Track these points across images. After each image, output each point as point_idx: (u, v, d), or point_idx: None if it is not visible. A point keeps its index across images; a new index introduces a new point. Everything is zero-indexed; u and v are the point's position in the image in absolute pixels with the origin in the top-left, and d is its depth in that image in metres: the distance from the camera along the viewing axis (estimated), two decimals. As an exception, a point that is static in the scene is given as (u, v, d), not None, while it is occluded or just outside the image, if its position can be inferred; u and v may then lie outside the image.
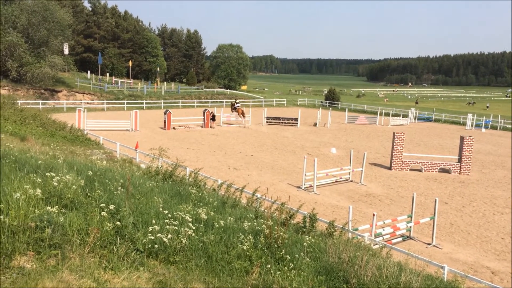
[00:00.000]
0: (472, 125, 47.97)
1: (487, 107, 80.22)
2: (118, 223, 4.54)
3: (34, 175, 5.77)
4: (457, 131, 43.40)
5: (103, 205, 4.81)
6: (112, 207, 4.81)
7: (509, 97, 75.31)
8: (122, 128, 34.32)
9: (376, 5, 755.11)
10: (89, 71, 66.83)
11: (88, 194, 5.54)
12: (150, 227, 4.61)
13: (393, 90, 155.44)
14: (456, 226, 15.70)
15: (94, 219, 4.50)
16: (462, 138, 24.65)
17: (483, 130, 46.30)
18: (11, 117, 21.26)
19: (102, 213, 4.57)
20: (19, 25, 48.18)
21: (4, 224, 3.91)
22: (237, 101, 44.91)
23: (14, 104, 27.82)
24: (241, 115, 40.58)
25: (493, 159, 29.44)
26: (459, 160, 24.50)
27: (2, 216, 3.96)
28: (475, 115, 50.05)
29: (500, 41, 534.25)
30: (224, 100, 61.88)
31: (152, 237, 4.44)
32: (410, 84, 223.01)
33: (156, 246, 4.45)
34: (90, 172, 6.65)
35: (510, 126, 48.83)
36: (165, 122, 36.12)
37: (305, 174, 19.55)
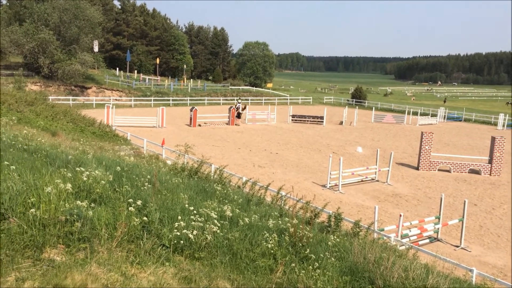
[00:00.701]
0: (503, 125, 46.62)
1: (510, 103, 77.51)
2: (145, 218, 4.61)
3: (65, 169, 5.91)
4: (487, 131, 42.26)
5: (130, 200, 4.89)
6: (139, 202, 4.88)
7: None
8: (149, 124, 34.81)
9: (404, 3, 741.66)
10: (117, 68, 68.06)
11: (116, 189, 5.63)
12: (176, 223, 4.65)
13: (427, 89, 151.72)
14: (486, 229, 15.31)
15: (121, 214, 4.58)
16: (493, 139, 23.99)
17: (516, 130, 44.94)
18: (42, 112, 21.83)
19: (130, 208, 4.64)
20: (51, 22, 49.40)
21: (36, 217, 4.02)
22: (239, 100, 44.29)
23: (45, 100, 28.55)
24: (237, 114, 38.87)
25: (525, 160, 28.53)
26: (490, 161, 23.86)
27: (33, 210, 4.07)
28: (507, 115, 48.61)
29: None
30: (250, 98, 61.96)
31: (178, 233, 4.48)
32: (439, 82, 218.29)
33: (182, 242, 4.49)
34: (118, 168, 6.77)
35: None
36: (191, 119, 36.43)
37: (330, 173, 19.40)
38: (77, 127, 21.31)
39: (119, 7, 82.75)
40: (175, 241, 4.46)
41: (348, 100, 69.11)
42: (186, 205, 5.50)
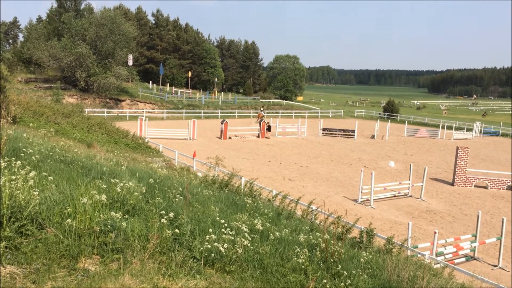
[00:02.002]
0: (544, 141, 44.88)
1: None
2: (176, 230, 4.63)
3: (100, 181, 6.03)
4: (527, 146, 40.78)
5: (162, 212, 4.93)
6: (171, 214, 4.92)
7: None
8: (180, 136, 35.29)
9: (438, 16, 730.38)
10: (150, 81, 69.57)
11: (149, 201, 5.70)
12: (207, 236, 4.66)
13: (473, 103, 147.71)
14: (526, 248, 14.67)
15: (154, 225, 4.62)
16: (533, 154, 23.11)
17: (557, 146, 43.16)
18: (78, 124, 22.47)
19: (162, 220, 4.68)
20: (88, 37, 51.12)
21: (72, 227, 4.11)
22: (262, 108, 45.54)
23: (81, 112, 29.42)
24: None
25: None
26: (530, 178, 22.96)
27: (69, 220, 4.16)
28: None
29: None
30: (280, 111, 61.98)
31: (209, 246, 4.48)
32: (475, 96, 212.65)
33: (213, 254, 4.48)
34: (151, 180, 6.86)
35: None
36: (221, 132, 36.73)
37: (361, 187, 19.10)
38: (111, 138, 21.81)
39: (153, 22, 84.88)
40: (206, 254, 4.46)
41: (379, 114, 68.18)
42: (217, 218, 5.51)
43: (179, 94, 63.79)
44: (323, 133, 42.38)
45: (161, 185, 7.25)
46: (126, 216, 4.78)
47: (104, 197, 4.79)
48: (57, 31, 54.49)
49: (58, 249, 3.83)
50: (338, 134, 42.30)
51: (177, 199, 6.26)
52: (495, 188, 23.15)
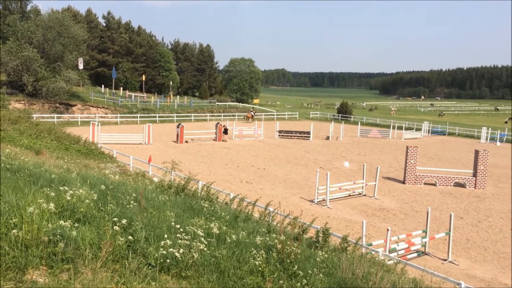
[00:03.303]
0: (487, 139, 47.37)
1: (508, 120, 79.03)
2: (130, 237, 4.53)
3: (48, 189, 5.80)
4: (471, 144, 42.89)
5: (115, 219, 4.81)
6: (124, 221, 4.80)
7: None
8: (135, 141, 34.58)
9: (387, 19, 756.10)
10: (103, 86, 67.79)
11: (101, 208, 5.54)
12: (162, 242, 4.58)
13: (431, 104, 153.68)
14: (473, 242, 15.41)
15: (106, 233, 4.50)
16: (476, 152, 24.33)
17: (498, 143, 45.68)
18: (26, 131, 21.55)
19: (115, 227, 4.56)
20: (35, 40, 49.16)
21: (18, 238, 3.93)
22: (252, 108, 56.36)
23: (29, 118, 28.23)
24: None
25: (508, 173, 28.95)
26: (474, 174, 24.15)
27: (15, 230, 3.98)
28: (490, 128, 49.44)
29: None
30: (237, 114, 62.06)
31: (164, 252, 4.41)
32: (423, 97, 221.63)
33: (168, 260, 4.41)
34: (103, 186, 6.67)
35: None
36: (177, 136, 36.32)
37: (317, 188, 19.42)
38: (62, 145, 21.06)
39: (104, 24, 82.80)
40: (161, 260, 4.39)
41: (334, 115, 69.67)
42: (173, 223, 5.43)
43: (133, 98, 62.53)
44: (279, 135, 42.79)
45: (115, 191, 7.06)
46: (77, 224, 4.62)
47: (52, 205, 4.62)
48: (2, 34, 52.09)
49: (3, 261, 3.66)
50: (294, 136, 42.84)
51: (131, 205, 6.12)
52: (443, 185, 24.18)
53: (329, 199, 19.28)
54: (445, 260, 13.62)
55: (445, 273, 11.69)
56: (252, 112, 60.37)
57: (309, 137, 42.10)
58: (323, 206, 19.00)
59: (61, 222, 4.38)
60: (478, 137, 49.02)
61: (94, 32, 76.68)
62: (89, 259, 4.06)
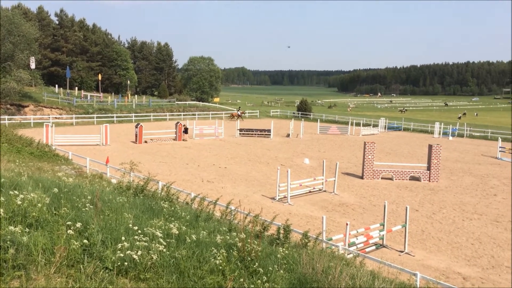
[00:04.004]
0: (439, 134, 49.23)
1: (461, 115, 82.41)
2: (85, 241, 4.41)
3: (-3, 193, 5.56)
4: (425, 139, 44.43)
5: (69, 223, 4.66)
6: (79, 224, 4.67)
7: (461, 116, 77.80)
8: (92, 142, 33.66)
9: (345, 18, 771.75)
10: (57, 85, 65.53)
11: (55, 212, 5.36)
12: (120, 244, 4.49)
13: (390, 101, 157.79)
14: (427, 233, 15.98)
15: (60, 237, 4.36)
16: (430, 147, 25.23)
17: (450, 138, 47.58)
18: (-26, 133, 20.53)
19: (69, 231, 4.43)
20: (-17, 39, 46.92)
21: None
22: (239, 108, 62.40)
23: (-22, 120, 26.91)
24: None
25: (460, 166, 30.23)
26: (428, 168, 25.04)
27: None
28: (442, 123, 51.43)
29: (463, 51, 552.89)
30: (197, 113, 61.60)
31: (122, 255, 4.32)
32: (379, 94, 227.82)
33: (126, 263, 4.33)
34: (56, 189, 6.45)
35: (476, 134, 50.39)
36: (136, 136, 35.65)
37: (278, 185, 19.57)
38: (13, 147, 20.21)
39: (57, 22, 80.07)
40: (119, 263, 4.30)
41: (294, 113, 70.40)
42: (130, 225, 5.33)
43: (89, 98, 60.82)
44: (240, 134, 42.81)
45: (69, 194, 6.85)
46: (28, 230, 4.45)
47: (1, 211, 4.42)
48: None
49: None
50: (255, 134, 42.98)
51: (87, 208, 5.96)
52: (400, 179, 24.95)
53: (290, 196, 19.47)
54: (402, 251, 14.06)
55: (401, 264, 12.06)
56: (238, 112, 60.99)
57: (270, 135, 42.36)
58: (284, 203, 19.18)
59: (11, 227, 4.21)
60: (432, 132, 50.85)
61: (46, 30, 74.01)
62: (42, 265, 3.92)
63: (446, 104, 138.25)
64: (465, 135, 49.78)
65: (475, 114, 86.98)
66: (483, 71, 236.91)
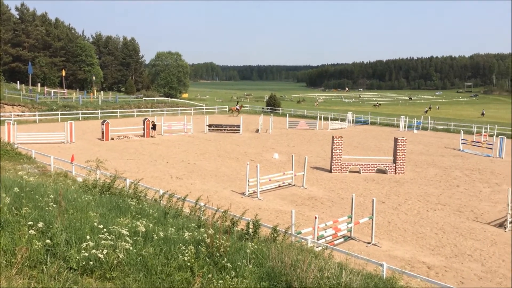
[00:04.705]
0: (405, 127, 50.43)
1: (428, 109, 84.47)
2: (48, 241, 4.30)
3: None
4: (391, 133, 45.42)
5: (31, 222, 4.54)
6: (41, 224, 4.54)
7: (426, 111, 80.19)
8: (56, 140, 32.76)
9: (312, 14, 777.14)
10: (18, 82, 63.39)
11: (16, 212, 5.20)
12: (84, 244, 4.40)
13: (359, 95, 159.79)
14: (394, 224, 16.38)
15: (22, 238, 4.23)
16: (396, 140, 25.82)
17: (415, 131, 48.81)
18: None
19: (31, 231, 4.31)
20: None
21: None
22: (238, 103, 65.07)
23: None
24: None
25: (425, 158, 31.08)
26: (394, 161, 25.64)
27: None
28: (408, 117, 52.68)
29: (428, 46, 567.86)
30: (165, 109, 60.86)
31: (87, 254, 4.24)
32: (347, 89, 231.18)
33: (91, 263, 4.25)
34: (16, 189, 6.25)
35: (439, 127, 51.89)
36: (102, 133, 34.93)
37: (248, 181, 19.61)
38: (-27, 146, 19.45)
39: (18, 16, 77.34)
40: (84, 263, 4.22)
41: (263, 108, 70.57)
42: (96, 224, 5.23)
43: (52, 94, 59.05)
44: (209, 130, 42.61)
45: (32, 193, 6.66)
46: (-13, 231, 4.30)
47: (-42, 212, 4.26)
48: None
49: None
50: (224, 130, 42.88)
51: (50, 208, 5.81)
52: (367, 172, 25.44)
53: (260, 191, 19.55)
54: (369, 243, 14.36)
55: (368, 255, 12.33)
56: (237, 106, 62.25)
57: (239, 130, 42.34)
58: (254, 198, 19.24)
59: (-31, 229, 4.06)
60: (397, 126, 52.03)
61: (6, 25, 71.40)
62: (3, 267, 3.80)
63: (411, 98, 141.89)
64: (429, 128, 51.17)
65: (437, 107, 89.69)
66: (446, 65, 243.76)
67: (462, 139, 36.12)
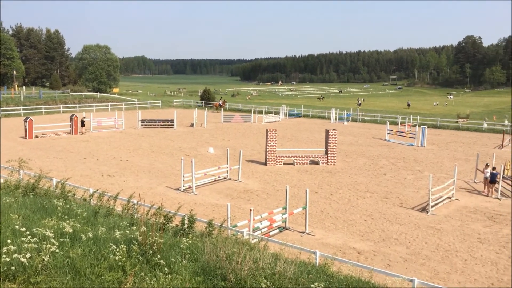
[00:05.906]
0: (336, 119, 52.22)
1: (361, 102, 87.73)
2: (-37, 248, 4.01)
3: None
4: (323, 125, 46.84)
5: None
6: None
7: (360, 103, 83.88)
8: (-27, 139, 30.41)
9: (244, 8, 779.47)
10: None
11: None
12: (5, 248, 4.15)
13: (291, 89, 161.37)
14: (326, 213, 16.97)
15: None
16: (327, 131, 26.68)
17: (345, 123, 50.71)
18: None
19: None
20: None
21: None
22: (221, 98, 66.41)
23: None
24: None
25: (354, 148, 32.42)
26: (326, 152, 26.50)
27: None
28: (338, 109, 54.60)
29: (355, 41, 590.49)
30: (94, 104, 58.47)
31: (8, 259, 4.00)
32: (280, 82, 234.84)
33: (13, 267, 4.02)
34: None
35: (368, 118, 54.30)
36: (26, 131, 32.93)
37: (183, 176, 19.41)
38: None
39: None
40: (5, 268, 3.98)
41: (197, 102, 69.92)
42: (17, 227, 4.94)
43: (-32, 90, 54.77)
44: (142, 125, 41.56)
45: None
46: None
47: None
48: None
49: None
50: (158, 125, 42.03)
51: (-35, 212, 5.41)
52: (300, 164, 26.10)
53: (195, 186, 19.43)
54: (303, 232, 14.78)
55: (302, 244, 12.69)
56: (220, 102, 61.62)
57: (173, 125, 41.70)
58: (189, 193, 19.08)
59: None
60: (329, 118, 53.75)
61: None
62: None
63: (340, 91, 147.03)
64: (358, 120, 53.35)
65: (363, 99, 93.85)
66: (373, 59, 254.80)
67: (388, 130, 38.06)
